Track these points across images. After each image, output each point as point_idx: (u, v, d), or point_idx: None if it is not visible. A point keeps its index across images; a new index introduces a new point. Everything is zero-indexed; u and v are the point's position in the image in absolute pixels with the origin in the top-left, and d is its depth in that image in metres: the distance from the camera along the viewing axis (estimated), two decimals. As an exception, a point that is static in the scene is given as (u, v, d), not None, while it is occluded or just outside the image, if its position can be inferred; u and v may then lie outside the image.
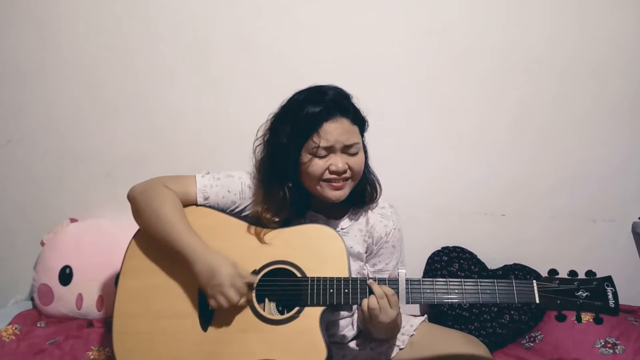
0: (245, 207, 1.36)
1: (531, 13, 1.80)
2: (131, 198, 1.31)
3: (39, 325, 1.77)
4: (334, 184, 1.26)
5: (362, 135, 1.32)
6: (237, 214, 1.36)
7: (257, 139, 1.35)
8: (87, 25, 1.86)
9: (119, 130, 1.92)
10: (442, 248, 1.90)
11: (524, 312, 1.75)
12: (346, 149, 1.25)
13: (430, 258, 1.90)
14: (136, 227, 1.35)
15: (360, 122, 1.30)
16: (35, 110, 1.92)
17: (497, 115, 1.87)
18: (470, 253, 1.88)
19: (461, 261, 1.85)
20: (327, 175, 1.25)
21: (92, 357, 1.61)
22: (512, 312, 1.75)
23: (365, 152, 1.35)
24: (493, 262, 1.89)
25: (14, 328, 1.70)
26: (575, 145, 1.87)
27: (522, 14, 1.80)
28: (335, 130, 1.23)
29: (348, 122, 1.25)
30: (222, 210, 1.35)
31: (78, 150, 1.94)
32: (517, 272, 1.83)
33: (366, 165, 1.35)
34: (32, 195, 1.97)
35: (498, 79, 1.84)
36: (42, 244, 1.88)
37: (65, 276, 1.80)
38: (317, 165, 1.24)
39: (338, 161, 1.24)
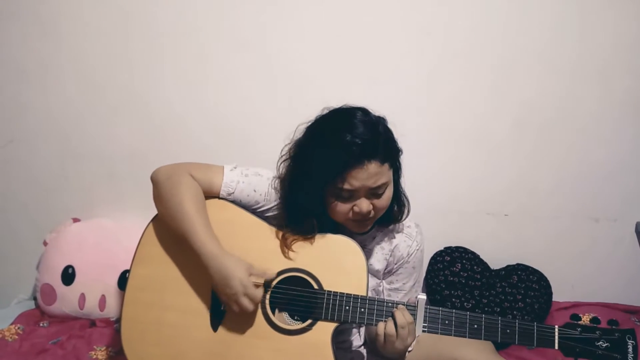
0: (269, 208, 1.32)
1: (533, 12, 1.79)
2: (155, 181, 1.27)
3: (41, 325, 1.77)
4: (358, 223, 1.24)
5: (395, 165, 1.26)
6: (259, 214, 1.32)
7: (282, 156, 1.30)
8: (89, 26, 1.86)
9: (121, 130, 1.92)
10: (445, 248, 1.90)
11: (527, 313, 1.75)
12: (372, 191, 1.20)
13: (432, 258, 1.89)
14: (140, 226, 1.34)
15: (391, 156, 1.24)
16: (37, 110, 1.92)
17: (499, 114, 1.86)
18: (473, 253, 1.88)
19: (464, 261, 1.85)
20: (351, 216, 1.22)
21: (94, 356, 1.61)
22: (515, 312, 1.75)
23: (399, 174, 1.30)
24: (496, 262, 1.89)
25: (16, 328, 1.70)
26: (578, 144, 1.86)
27: (524, 13, 1.79)
28: (361, 175, 1.17)
29: (376, 164, 1.17)
30: (244, 207, 1.31)
31: (80, 150, 1.94)
32: (520, 272, 1.82)
33: (399, 186, 1.31)
34: (34, 194, 1.97)
35: (500, 78, 1.83)
36: (45, 243, 1.88)
37: (68, 276, 1.80)
38: (341, 207, 1.21)
39: (362, 206, 1.19)
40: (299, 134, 1.27)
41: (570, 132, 1.85)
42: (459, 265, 1.84)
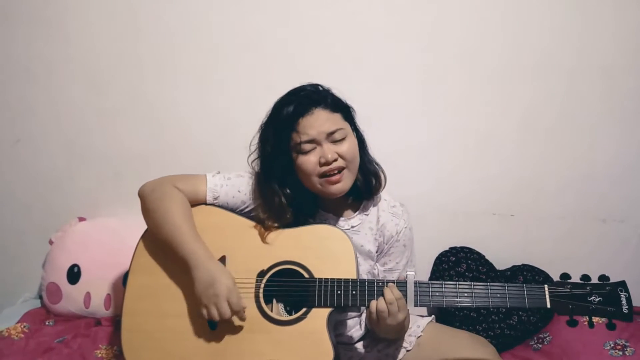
0: (255, 207, 1.35)
1: (539, 12, 1.78)
2: (141, 196, 1.32)
3: (47, 323, 1.78)
4: (331, 178, 1.25)
5: (351, 123, 1.31)
6: (247, 214, 1.36)
7: (252, 153, 1.36)
8: (95, 27, 1.87)
9: (126, 130, 1.93)
10: (450, 248, 1.89)
11: (532, 313, 1.73)
12: (330, 137, 1.24)
13: (437, 258, 1.89)
14: (144, 226, 1.35)
15: (342, 109, 1.29)
16: (43, 110, 1.93)
17: (505, 114, 1.85)
18: (478, 253, 1.87)
19: (469, 262, 1.84)
20: (320, 170, 1.24)
21: (100, 355, 1.61)
22: (520, 313, 1.74)
23: (362, 140, 1.34)
24: (501, 262, 1.88)
25: (22, 326, 1.71)
26: (585, 144, 1.85)
27: (530, 13, 1.79)
28: (313, 122, 1.23)
29: (326, 111, 1.24)
30: (232, 210, 1.35)
31: (86, 150, 1.95)
32: (526, 272, 1.81)
33: (366, 155, 1.34)
34: (40, 194, 1.98)
35: (506, 79, 1.83)
36: (51, 242, 1.89)
37: (74, 275, 1.81)
38: (307, 161, 1.24)
39: (326, 151, 1.23)
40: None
41: (576, 133, 1.84)
42: (465, 265, 1.83)
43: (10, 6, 1.86)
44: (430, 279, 1.89)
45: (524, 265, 1.85)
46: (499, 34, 1.81)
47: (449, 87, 1.84)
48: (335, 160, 1.24)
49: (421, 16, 1.81)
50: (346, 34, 1.83)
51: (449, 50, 1.82)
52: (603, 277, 1.16)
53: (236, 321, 1.23)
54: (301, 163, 1.25)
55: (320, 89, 1.29)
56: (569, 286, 1.15)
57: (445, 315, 1.78)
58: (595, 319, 1.15)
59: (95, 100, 1.92)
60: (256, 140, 1.34)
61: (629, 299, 1.13)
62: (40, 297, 1.91)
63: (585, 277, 1.16)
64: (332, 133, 1.24)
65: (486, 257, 1.87)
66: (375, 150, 1.39)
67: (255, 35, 1.85)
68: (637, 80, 1.80)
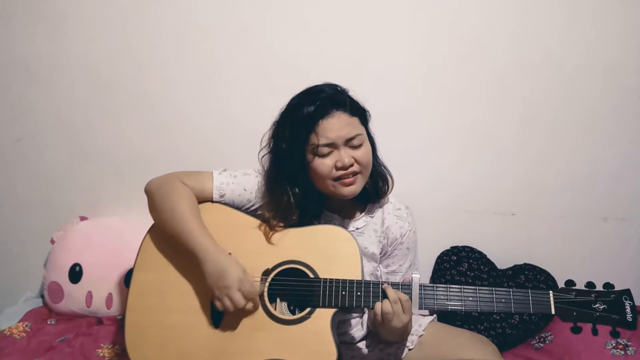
0: (261, 205, 1.35)
1: (540, 11, 1.78)
2: (148, 192, 1.32)
3: (49, 322, 1.79)
4: (345, 180, 1.25)
5: (366, 126, 1.31)
6: (253, 212, 1.36)
7: (262, 148, 1.35)
8: (96, 26, 1.86)
9: (127, 129, 1.93)
10: (451, 247, 1.89)
11: (533, 313, 1.73)
12: (349, 142, 1.24)
13: (439, 257, 1.89)
14: (146, 225, 1.36)
15: (360, 112, 1.29)
16: (45, 109, 1.93)
17: (506, 113, 1.85)
18: (480, 252, 1.87)
19: (470, 261, 1.84)
20: (335, 173, 1.24)
21: (101, 354, 1.62)
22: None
23: (373, 143, 1.34)
24: (503, 261, 1.88)
25: (24, 325, 1.71)
26: (586, 143, 1.85)
27: (531, 12, 1.78)
28: (333, 125, 1.22)
29: (346, 115, 1.24)
30: (238, 208, 1.35)
31: (87, 149, 1.95)
32: (527, 272, 1.81)
33: (375, 157, 1.34)
34: (42, 193, 1.98)
35: (507, 77, 1.82)
36: (52, 242, 1.90)
37: (75, 274, 1.81)
38: (323, 164, 1.24)
39: (343, 156, 1.23)
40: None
41: (577, 131, 1.84)
42: (466, 264, 1.83)
43: (11, 4, 1.86)
44: (432, 278, 1.89)
45: (525, 264, 1.84)
46: (499, 33, 1.80)
47: (449, 85, 1.84)
48: (352, 165, 1.24)
49: (422, 14, 1.81)
50: (347, 33, 1.83)
51: (450, 48, 1.82)
52: (608, 285, 1.16)
53: (241, 318, 1.23)
54: (317, 165, 1.24)
55: (340, 89, 1.28)
56: (573, 293, 1.16)
57: (447, 314, 1.78)
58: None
59: (97, 98, 1.91)
60: (268, 136, 1.33)
61: (633, 307, 1.13)
62: (42, 297, 1.91)
63: (590, 285, 1.17)
64: (351, 139, 1.24)
65: (487, 256, 1.87)
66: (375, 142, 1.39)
67: (258, 34, 1.84)
68: (638, 78, 1.80)
